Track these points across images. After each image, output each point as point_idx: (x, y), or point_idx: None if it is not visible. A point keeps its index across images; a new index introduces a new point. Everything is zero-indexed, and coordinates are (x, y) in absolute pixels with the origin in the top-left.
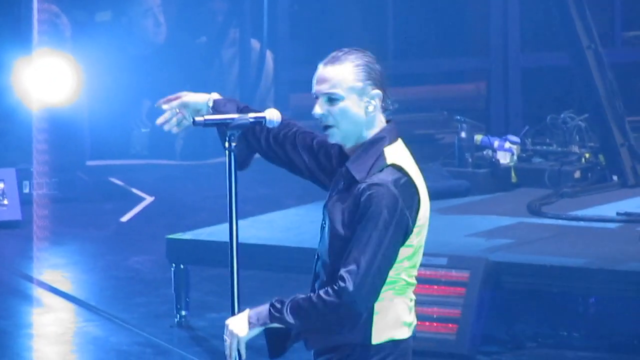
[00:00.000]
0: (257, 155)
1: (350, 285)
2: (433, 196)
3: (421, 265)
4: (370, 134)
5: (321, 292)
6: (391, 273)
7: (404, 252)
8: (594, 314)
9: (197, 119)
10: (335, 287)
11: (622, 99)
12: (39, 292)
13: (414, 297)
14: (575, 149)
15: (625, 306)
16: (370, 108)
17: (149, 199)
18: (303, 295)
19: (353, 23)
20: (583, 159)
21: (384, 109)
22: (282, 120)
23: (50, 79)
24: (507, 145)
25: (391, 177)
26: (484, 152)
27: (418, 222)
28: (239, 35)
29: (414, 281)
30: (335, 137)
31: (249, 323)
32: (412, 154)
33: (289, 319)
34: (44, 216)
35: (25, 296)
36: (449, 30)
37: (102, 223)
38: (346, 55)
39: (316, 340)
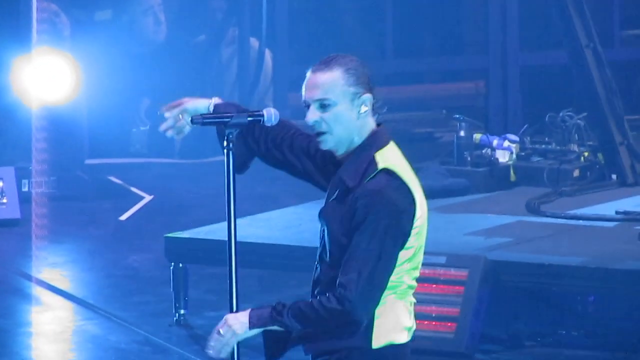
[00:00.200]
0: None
1: (351, 294)
2: (432, 195)
3: None
4: (361, 139)
5: (322, 299)
6: (393, 277)
7: (404, 254)
8: (592, 313)
9: (195, 117)
10: (337, 295)
11: (621, 97)
12: (37, 291)
13: (414, 300)
14: (574, 147)
15: (624, 305)
16: (362, 112)
17: (147, 198)
18: (305, 301)
19: (352, 22)
20: (582, 158)
21: (374, 113)
22: (280, 122)
23: (49, 78)
24: (506, 143)
25: (384, 183)
26: (483, 151)
27: (416, 224)
28: (237, 33)
29: (415, 283)
30: (328, 143)
31: (250, 323)
32: (406, 154)
33: (290, 323)
34: (42, 215)
35: (24, 295)
36: (448, 29)
37: (101, 221)
38: (334, 60)
39: (314, 344)
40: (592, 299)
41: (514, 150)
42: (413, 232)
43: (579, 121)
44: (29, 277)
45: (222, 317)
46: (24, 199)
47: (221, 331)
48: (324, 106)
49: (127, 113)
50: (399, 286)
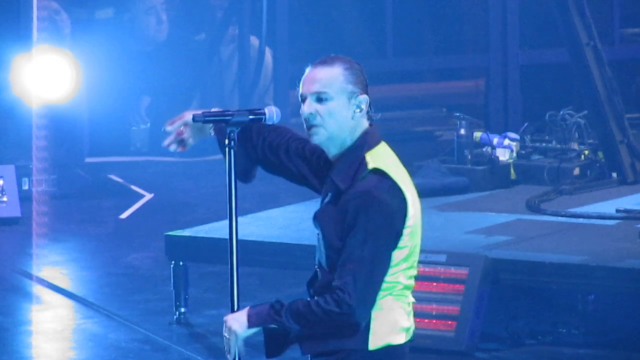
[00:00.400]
0: None
1: (348, 296)
2: (432, 193)
3: (420, 262)
4: (352, 140)
5: (320, 301)
6: (389, 278)
7: (399, 254)
8: (593, 311)
9: (197, 114)
10: (335, 298)
11: (621, 96)
12: (38, 289)
13: (412, 300)
14: (575, 146)
15: (624, 303)
16: (357, 112)
17: (148, 196)
18: (303, 301)
19: (352, 20)
20: (582, 156)
21: (368, 117)
22: (276, 128)
23: (50, 76)
24: (506, 142)
25: (374, 183)
26: (483, 149)
27: (408, 223)
28: (238, 32)
29: (412, 282)
30: (320, 135)
31: (248, 322)
32: (406, 153)
33: (287, 322)
34: (43, 213)
35: (24, 293)
36: (448, 27)
37: (101, 220)
38: (336, 58)
39: (312, 345)
40: (592, 298)
41: (514, 149)
42: (406, 231)
43: (579, 119)
44: (29, 276)
45: (223, 316)
46: (25, 198)
47: (225, 334)
48: (320, 100)
49: (127, 111)
50: (396, 287)
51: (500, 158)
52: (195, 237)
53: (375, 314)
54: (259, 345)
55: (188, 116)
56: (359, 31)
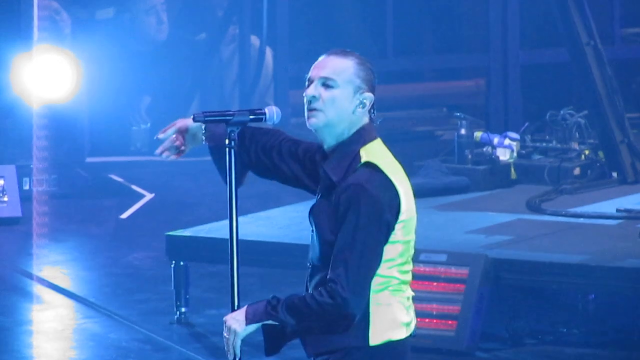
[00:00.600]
0: None
1: (341, 288)
2: (432, 193)
3: (420, 261)
4: (349, 134)
5: (315, 294)
6: (384, 272)
7: (392, 249)
8: (593, 311)
9: (197, 114)
10: (329, 289)
11: (622, 95)
12: (38, 289)
13: (411, 293)
14: (575, 145)
15: (624, 303)
16: (360, 108)
17: (148, 196)
18: (298, 295)
19: (353, 20)
20: (582, 156)
21: (370, 117)
22: (269, 131)
23: (50, 76)
24: (507, 141)
25: (366, 176)
26: (484, 149)
27: (401, 218)
28: (238, 32)
29: (409, 277)
30: (318, 119)
31: (246, 319)
32: (407, 152)
33: (284, 317)
34: (43, 213)
35: (24, 293)
36: (449, 27)
37: (101, 220)
38: (351, 53)
39: (314, 344)
40: (592, 297)
41: (514, 148)
42: (398, 226)
43: (579, 119)
44: (29, 275)
45: (223, 316)
46: (25, 197)
47: (225, 334)
48: (326, 85)
49: (127, 111)
50: (391, 281)
51: (501, 158)
52: (196, 237)
53: (373, 309)
54: (259, 345)
55: (180, 123)
56: (359, 31)
